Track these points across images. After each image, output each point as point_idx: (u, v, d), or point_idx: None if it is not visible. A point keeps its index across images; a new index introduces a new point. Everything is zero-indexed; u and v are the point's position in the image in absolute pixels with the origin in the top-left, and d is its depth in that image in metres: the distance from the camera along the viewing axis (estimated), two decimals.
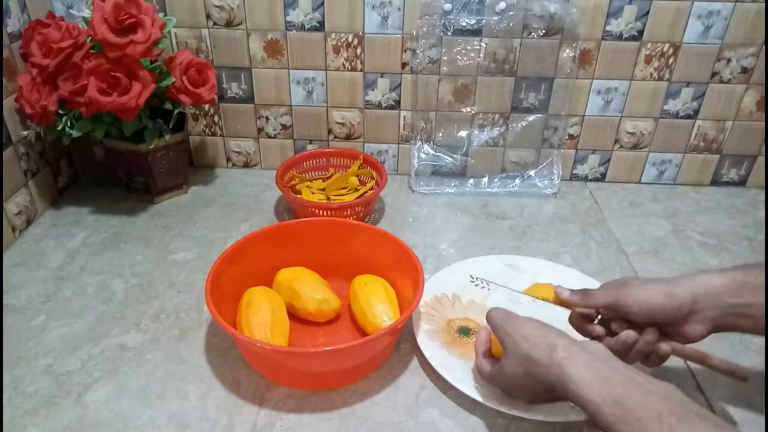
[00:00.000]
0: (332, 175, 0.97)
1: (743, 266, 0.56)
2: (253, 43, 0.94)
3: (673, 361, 0.66)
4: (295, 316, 0.69)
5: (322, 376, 0.62)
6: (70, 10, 0.90)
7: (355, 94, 0.98)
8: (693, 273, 0.56)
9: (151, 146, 0.88)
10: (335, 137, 1.02)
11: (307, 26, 0.92)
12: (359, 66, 0.95)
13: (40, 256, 0.81)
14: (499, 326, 0.54)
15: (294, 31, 0.92)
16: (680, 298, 0.54)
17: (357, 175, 0.95)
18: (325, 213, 0.85)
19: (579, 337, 0.56)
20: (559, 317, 0.59)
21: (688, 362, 0.66)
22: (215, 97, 0.92)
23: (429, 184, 1.01)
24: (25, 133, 0.84)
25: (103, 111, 0.79)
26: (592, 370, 0.46)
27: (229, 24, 0.92)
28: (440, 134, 1.00)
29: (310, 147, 1.03)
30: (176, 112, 0.92)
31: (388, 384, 0.62)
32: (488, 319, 0.57)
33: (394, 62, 0.94)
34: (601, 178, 1.05)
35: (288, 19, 0.91)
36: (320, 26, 0.92)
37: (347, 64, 0.95)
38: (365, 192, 0.93)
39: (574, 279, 0.76)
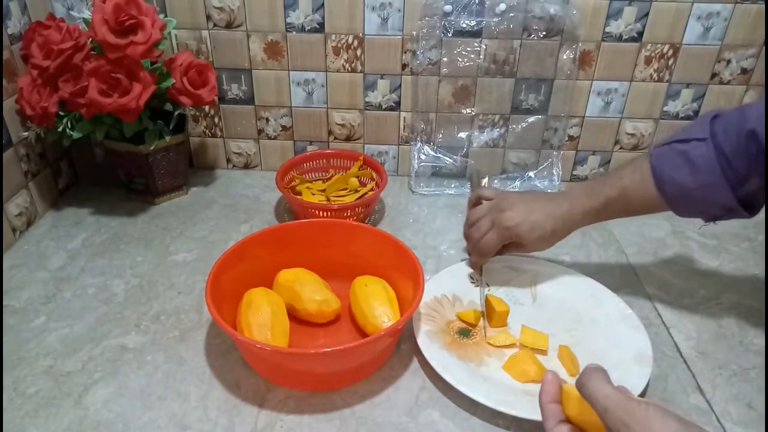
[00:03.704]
0: (332, 176, 0.97)
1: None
2: (254, 44, 0.94)
3: (674, 361, 0.66)
4: (295, 317, 0.69)
5: (322, 377, 0.62)
6: (71, 12, 0.90)
7: (355, 95, 0.98)
8: (571, 199, 0.70)
9: (152, 147, 0.88)
10: (335, 138, 1.02)
11: (307, 28, 0.92)
12: (359, 67, 0.95)
13: (41, 257, 0.81)
14: (613, 413, 0.40)
15: (294, 33, 0.93)
16: (560, 230, 0.70)
17: (357, 176, 0.95)
18: (325, 214, 0.85)
19: None
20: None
21: (689, 363, 0.66)
22: (215, 98, 0.92)
23: (429, 185, 1.01)
24: (26, 134, 0.84)
25: (103, 112, 0.79)
26: None
27: (229, 25, 0.92)
28: (440, 135, 1.00)
29: (310, 148, 1.03)
30: (176, 113, 0.92)
31: (388, 385, 0.62)
32: (586, 392, 0.42)
33: (394, 63, 0.94)
34: None
35: (288, 20, 0.91)
36: (320, 28, 0.92)
37: (347, 66, 0.95)
38: (365, 193, 0.93)
39: (574, 280, 0.76)
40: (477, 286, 0.76)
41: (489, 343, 0.67)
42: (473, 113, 0.98)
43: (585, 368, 0.44)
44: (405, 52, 0.93)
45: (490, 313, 0.70)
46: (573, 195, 0.70)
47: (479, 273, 0.76)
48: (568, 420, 0.46)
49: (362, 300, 0.67)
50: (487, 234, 0.72)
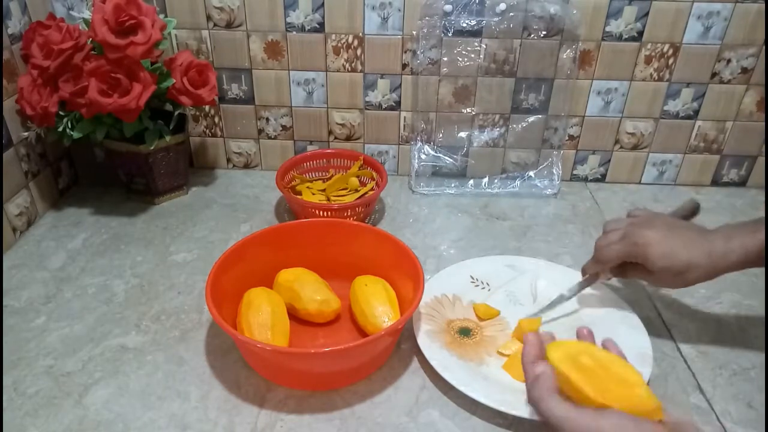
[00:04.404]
0: (332, 176, 0.97)
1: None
2: (254, 44, 0.94)
3: (674, 361, 0.66)
4: (295, 316, 0.69)
5: (322, 377, 0.62)
6: (71, 12, 0.90)
7: (356, 95, 0.98)
8: (727, 234, 0.60)
9: (152, 147, 0.88)
10: (335, 138, 1.02)
11: (307, 27, 0.92)
12: (359, 67, 0.95)
13: (41, 257, 0.81)
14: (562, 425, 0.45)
15: (294, 33, 0.93)
16: (701, 268, 0.59)
17: (357, 176, 0.95)
18: (325, 214, 0.85)
19: None
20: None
21: (689, 363, 0.66)
22: (216, 98, 0.92)
23: (429, 184, 1.01)
24: (26, 134, 0.84)
25: (103, 112, 0.79)
26: None
27: (229, 25, 0.92)
28: (440, 135, 1.00)
29: (310, 148, 1.03)
30: (177, 113, 0.92)
31: (388, 385, 0.62)
32: (542, 410, 0.47)
33: (394, 63, 0.94)
34: (602, 178, 1.05)
35: (288, 20, 0.91)
36: (320, 27, 0.92)
37: (347, 65, 0.95)
38: (365, 193, 0.93)
39: (574, 280, 0.76)
40: (477, 286, 0.75)
41: (499, 352, 0.66)
42: (473, 113, 0.98)
43: (532, 379, 0.49)
44: (405, 52, 0.93)
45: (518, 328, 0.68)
46: (730, 230, 0.60)
47: (584, 281, 0.70)
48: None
49: (362, 300, 0.67)
50: (613, 244, 0.64)
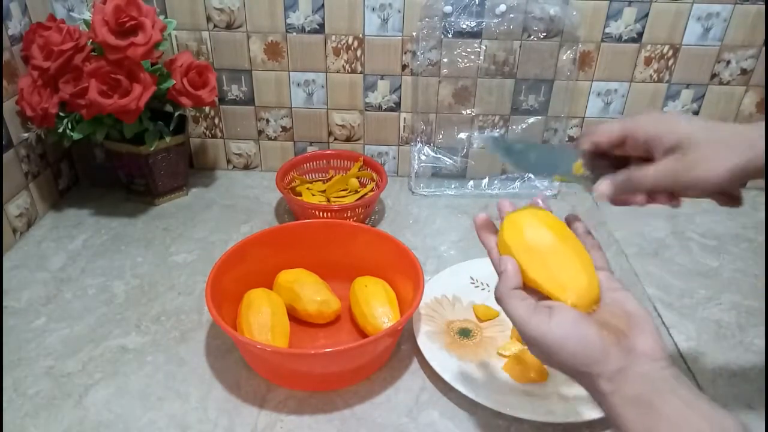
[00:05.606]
0: (332, 177, 0.97)
1: None
2: (254, 45, 0.94)
3: (674, 362, 0.66)
4: (295, 317, 0.69)
5: (322, 378, 0.62)
6: (71, 13, 0.90)
7: (356, 96, 0.98)
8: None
9: (152, 148, 0.88)
10: (335, 139, 1.03)
11: (307, 28, 0.92)
12: (359, 68, 0.95)
13: (41, 258, 0.81)
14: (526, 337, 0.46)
15: (294, 34, 0.93)
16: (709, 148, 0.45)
17: (357, 177, 0.96)
18: (325, 215, 0.85)
19: None
20: None
21: (689, 363, 0.66)
22: (215, 99, 0.92)
23: (429, 185, 1.01)
24: (26, 135, 0.84)
25: (103, 113, 0.79)
26: (640, 414, 0.40)
27: (229, 26, 0.92)
28: (440, 136, 1.00)
29: (310, 149, 1.03)
30: (177, 114, 0.92)
31: (388, 385, 0.62)
32: (503, 308, 0.47)
33: (394, 64, 0.95)
34: None
35: (288, 21, 0.92)
36: (320, 28, 0.92)
37: (347, 66, 0.95)
38: (365, 194, 0.93)
39: None
40: (477, 287, 0.75)
41: (499, 353, 0.66)
42: (473, 114, 0.98)
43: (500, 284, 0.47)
44: (405, 53, 0.94)
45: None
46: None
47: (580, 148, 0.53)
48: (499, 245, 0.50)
49: (362, 300, 0.67)
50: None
